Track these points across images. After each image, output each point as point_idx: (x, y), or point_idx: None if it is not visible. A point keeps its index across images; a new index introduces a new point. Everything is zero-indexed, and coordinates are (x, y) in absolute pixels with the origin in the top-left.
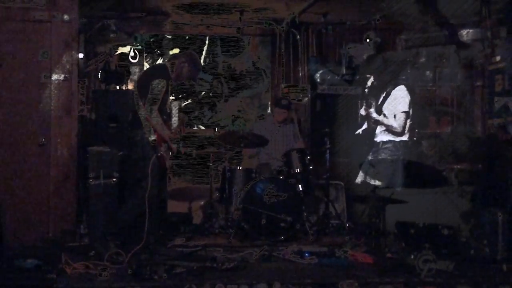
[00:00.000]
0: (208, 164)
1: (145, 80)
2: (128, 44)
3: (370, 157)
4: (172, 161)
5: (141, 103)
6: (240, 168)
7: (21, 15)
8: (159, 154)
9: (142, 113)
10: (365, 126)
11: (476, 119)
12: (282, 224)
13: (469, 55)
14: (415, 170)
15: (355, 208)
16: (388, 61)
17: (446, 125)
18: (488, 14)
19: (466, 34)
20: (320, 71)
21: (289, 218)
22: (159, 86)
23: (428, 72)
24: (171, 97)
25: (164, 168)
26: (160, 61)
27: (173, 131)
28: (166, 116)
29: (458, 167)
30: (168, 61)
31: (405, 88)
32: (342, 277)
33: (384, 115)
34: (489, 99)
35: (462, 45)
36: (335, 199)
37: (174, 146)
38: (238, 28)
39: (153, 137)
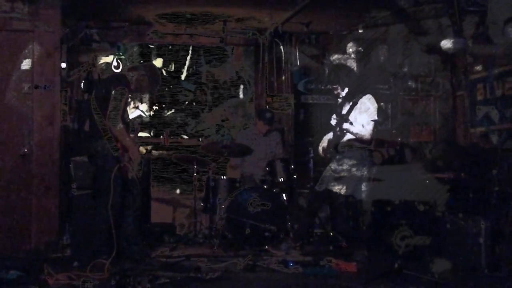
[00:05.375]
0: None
1: (104, 89)
2: (111, 54)
3: (333, 166)
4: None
5: (101, 113)
6: (224, 177)
7: (3, 25)
8: (122, 165)
9: (104, 123)
10: (330, 135)
11: (458, 128)
12: (267, 234)
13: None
14: None
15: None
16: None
17: (429, 134)
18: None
19: (447, 43)
20: (304, 81)
21: (273, 227)
22: (121, 95)
23: (410, 82)
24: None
25: (127, 179)
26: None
27: (133, 138)
28: (126, 124)
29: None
30: (128, 71)
31: (372, 97)
32: (326, 286)
33: (351, 124)
34: (471, 108)
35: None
36: (319, 208)
37: (138, 152)
38: (222, 38)
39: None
